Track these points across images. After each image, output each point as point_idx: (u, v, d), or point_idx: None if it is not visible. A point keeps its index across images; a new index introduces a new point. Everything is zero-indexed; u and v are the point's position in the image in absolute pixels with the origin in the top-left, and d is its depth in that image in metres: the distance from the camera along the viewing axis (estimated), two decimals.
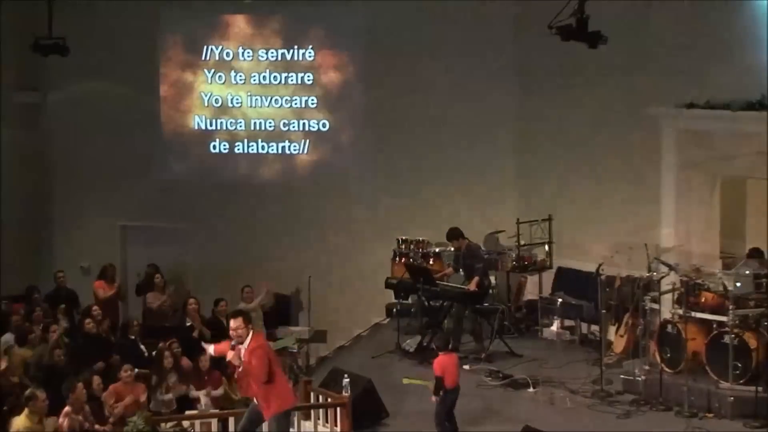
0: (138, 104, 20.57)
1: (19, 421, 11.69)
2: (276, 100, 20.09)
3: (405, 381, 12.72)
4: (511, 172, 18.74)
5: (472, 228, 16.48)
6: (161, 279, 18.81)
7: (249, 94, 20.17)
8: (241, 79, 20.17)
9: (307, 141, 20.09)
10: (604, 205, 17.11)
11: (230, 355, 10.89)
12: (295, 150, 20.15)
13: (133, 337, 16.13)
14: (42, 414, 11.87)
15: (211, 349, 11.70)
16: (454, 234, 16.05)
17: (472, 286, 15.60)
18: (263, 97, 20.13)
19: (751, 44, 15.06)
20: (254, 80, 20.12)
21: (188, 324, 16.92)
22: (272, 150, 20.23)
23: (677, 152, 15.70)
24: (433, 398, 12.20)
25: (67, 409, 12.39)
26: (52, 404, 12.36)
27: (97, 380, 13.64)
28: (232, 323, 10.91)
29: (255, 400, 11.14)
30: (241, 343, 10.83)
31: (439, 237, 18.17)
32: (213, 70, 20.25)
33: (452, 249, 17.43)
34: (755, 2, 15.00)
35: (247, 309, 17.71)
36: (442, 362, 12.32)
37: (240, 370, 10.89)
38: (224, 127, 20.33)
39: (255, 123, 20.19)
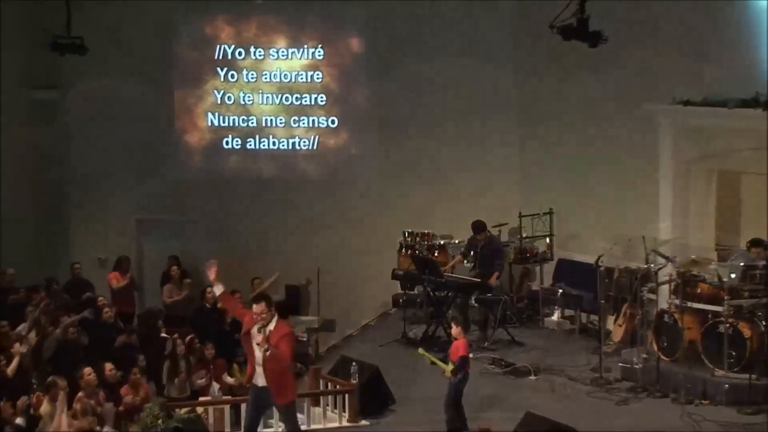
0: (152, 102, 20.60)
1: (43, 408, 11.75)
2: (286, 97, 20.13)
3: (420, 352, 12.67)
4: (513, 168, 18.77)
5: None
6: (177, 271, 18.91)
7: (260, 91, 20.23)
8: (252, 77, 20.20)
9: (316, 137, 20.13)
10: (603, 199, 17.14)
11: (259, 338, 10.56)
12: (304, 146, 20.20)
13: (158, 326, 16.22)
14: (63, 402, 11.90)
15: (218, 289, 11.24)
16: (481, 226, 16.13)
17: (493, 281, 15.74)
18: (274, 95, 20.19)
19: (746, 43, 15.06)
20: (265, 78, 20.17)
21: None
22: (282, 146, 20.28)
23: (674, 148, 15.74)
24: (451, 376, 12.02)
25: (80, 393, 12.46)
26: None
27: (108, 367, 13.63)
28: (256, 308, 10.66)
29: (254, 390, 10.96)
30: (265, 326, 10.62)
31: (444, 230, 18.30)
32: (225, 69, 20.30)
33: (457, 241, 17.63)
34: (751, 2, 15.00)
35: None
36: (467, 344, 12.29)
37: (268, 353, 10.57)
38: (236, 124, 20.36)
39: (266, 120, 20.23)
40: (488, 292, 15.85)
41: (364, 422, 12.83)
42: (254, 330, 10.70)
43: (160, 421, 11.51)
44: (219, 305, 16.56)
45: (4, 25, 19.79)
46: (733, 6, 15.23)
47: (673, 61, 15.87)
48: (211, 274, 11.21)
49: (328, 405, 13.04)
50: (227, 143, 20.40)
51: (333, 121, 20.01)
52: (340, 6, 19.75)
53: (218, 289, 11.21)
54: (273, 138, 20.29)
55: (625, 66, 16.50)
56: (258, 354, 10.70)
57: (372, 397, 13.11)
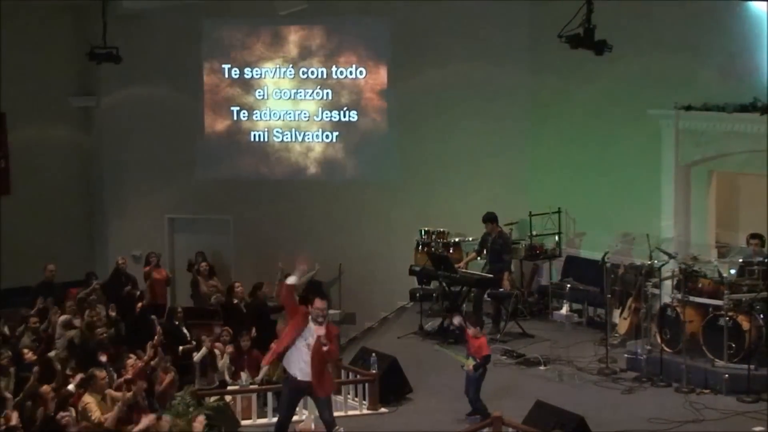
0: (183, 107, 20.65)
1: (86, 400, 11.76)
2: (310, 98, 20.14)
3: (437, 348, 12.61)
4: (524, 169, 18.68)
5: None
6: (206, 266, 18.94)
7: (286, 96, 20.23)
8: (277, 83, 20.23)
9: (340, 140, 20.12)
10: (609, 199, 17.04)
11: (321, 331, 10.46)
12: (328, 148, 20.20)
13: (177, 323, 16.20)
14: (103, 391, 11.91)
15: (291, 280, 10.68)
16: (491, 217, 16.11)
17: (506, 285, 15.76)
18: (298, 97, 20.18)
19: (745, 50, 14.98)
20: (290, 79, 20.18)
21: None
22: (306, 148, 20.29)
23: (676, 150, 15.66)
24: (471, 371, 12.03)
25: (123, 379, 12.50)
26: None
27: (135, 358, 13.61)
28: (319, 303, 10.51)
29: (293, 384, 10.80)
30: (322, 323, 10.52)
31: (458, 228, 18.24)
32: (251, 75, 20.32)
33: (470, 238, 17.57)
34: (751, 12, 14.92)
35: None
36: (487, 343, 12.35)
37: (325, 348, 10.48)
38: (262, 126, 20.39)
39: (290, 120, 20.24)
40: (499, 287, 15.80)
41: (383, 410, 12.82)
42: (312, 325, 10.53)
43: (191, 409, 11.48)
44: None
45: (47, 37, 19.92)
46: (732, 15, 15.13)
47: (675, 68, 15.80)
48: (301, 267, 10.95)
49: (349, 393, 13.02)
50: (252, 145, 20.44)
51: (354, 125, 20.00)
52: (362, 11, 19.69)
53: (291, 280, 10.76)
54: (297, 138, 20.30)
55: (630, 72, 16.42)
56: (305, 350, 10.55)
57: (390, 386, 13.09)
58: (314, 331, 10.52)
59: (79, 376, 12.26)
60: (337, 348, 10.88)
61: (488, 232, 16.15)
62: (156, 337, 14.24)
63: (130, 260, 20.00)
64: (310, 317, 10.59)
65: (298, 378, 10.67)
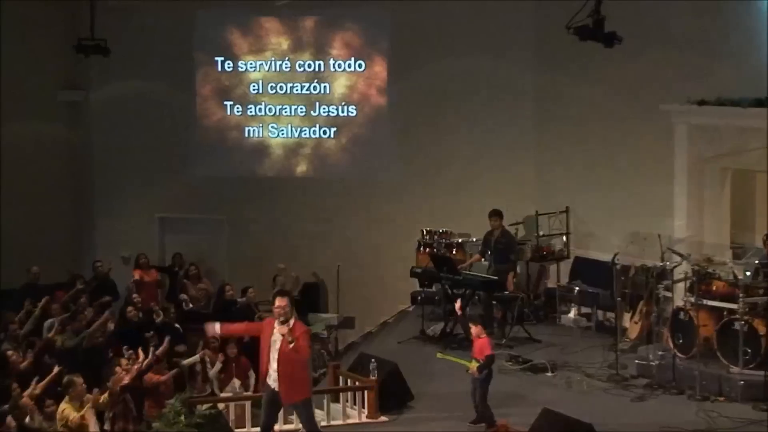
0: (174, 102, 20.61)
1: (63, 407, 11.71)
2: (306, 96, 20.06)
3: (439, 355, 12.58)
4: (530, 166, 18.61)
5: None
6: (196, 269, 18.85)
7: (281, 90, 20.15)
8: (273, 78, 20.14)
9: (338, 137, 20.07)
10: (619, 198, 17.02)
11: (284, 330, 10.42)
12: (325, 145, 20.14)
13: (176, 324, 16.18)
14: (82, 398, 11.86)
15: (216, 327, 11.00)
16: (498, 213, 16.12)
17: (510, 286, 15.79)
18: (294, 93, 20.10)
19: (759, 43, 14.97)
20: (286, 72, 20.09)
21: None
22: (302, 145, 20.25)
23: (689, 147, 15.62)
24: (476, 373, 11.98)
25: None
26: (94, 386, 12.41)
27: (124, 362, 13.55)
28: (279, 301, 10.50)
29: (268, 392, 10.83)
30: (285, 322, 10.47)
31: (462, 228, 18.17)
32: (245, 68, 20.22)
33: (474, 239, 17.50)
34: (764, 5, 14.87)
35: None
36: (491, 343, 12.32)
37: (290, 348, 10.41)
38: (256, 122, 20.31)
39: (287, 116, 20.17)
40: (504, 290, 15.73)
41: (383, 418, 12.73)
42: (276, 326, 10.54)
43: (182, 417, 11.39)
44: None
45: (33, 29, 19.85)
46: (745, 6, 15.12)
47: (688, 62, 15.79)
48: (210, 331, 11.16)
49: (347, 401, 12.96)
50: (246, 141, 20.40)
51: (353, 121, 19.95)
52: (363, 5, 19.61)
53: (217, 328, 11.01)
54: (293, 134, 20.24)
55: (640, 66, 16.38)
56: (274, 356, 10.59)
57: (391, 393, 13.01)
58: (278, 331, 10.51)
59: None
60: (306, 343, 10.59)
61: (491, 230, 16.10)
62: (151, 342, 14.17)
63: (119, 261, 19.92)
64: (275, 321, 10.59)
65: (271, 387, 10.72)
